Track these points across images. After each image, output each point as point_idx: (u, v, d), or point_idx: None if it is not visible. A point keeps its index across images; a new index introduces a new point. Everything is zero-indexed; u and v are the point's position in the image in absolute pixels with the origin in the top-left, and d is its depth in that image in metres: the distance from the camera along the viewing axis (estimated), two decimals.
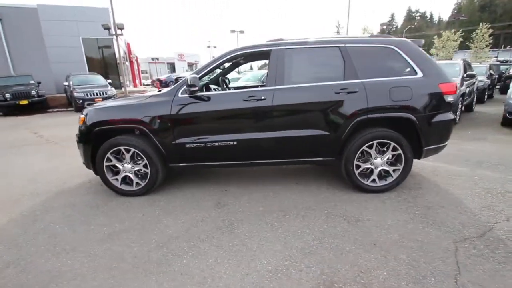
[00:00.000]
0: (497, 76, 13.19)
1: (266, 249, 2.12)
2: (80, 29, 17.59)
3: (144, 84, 32.54)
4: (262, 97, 2.78)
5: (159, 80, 25.14)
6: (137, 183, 3.10)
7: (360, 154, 2.89)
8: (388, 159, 2.93)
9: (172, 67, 49.36)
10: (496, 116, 7.51)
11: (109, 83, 13.21)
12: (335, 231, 2.34)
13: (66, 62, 16.86)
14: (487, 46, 32.02)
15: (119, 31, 14.10)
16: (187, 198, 3.08)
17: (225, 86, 3.61)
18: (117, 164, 3.06)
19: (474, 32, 32.23)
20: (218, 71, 3.87)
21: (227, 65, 3.81)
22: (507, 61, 21.89)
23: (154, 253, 2.12)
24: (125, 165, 3.06)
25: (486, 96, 10.61)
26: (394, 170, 2.95)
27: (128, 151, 2.99)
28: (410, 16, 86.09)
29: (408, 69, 2.84)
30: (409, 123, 2.80)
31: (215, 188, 3.30)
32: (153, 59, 50.70)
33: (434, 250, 2.05)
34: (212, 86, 3.75)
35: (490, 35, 31.81)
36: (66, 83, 12.88)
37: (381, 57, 2.87)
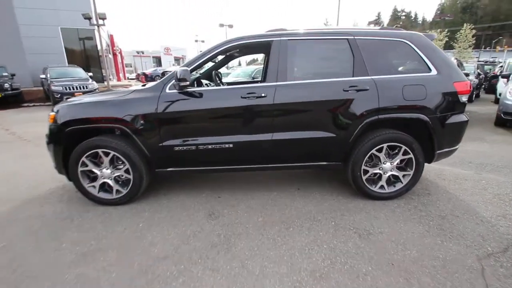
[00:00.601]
0: (483, 75, 13.42)
1: (270, 272, 1.82)
2: (59, 19, 16.55)
3: (128, 78, 31.38)
4: (262, 94, 2.46)
5: (144, 74, 24.17)
6: (117, 191, 2.72)
7: (367, 158, 2.64)
8: (397, 163, 2.69)
9: (158, 61, 47.98)
10: (486, 116, 7.53)
11: (90, 77, 12.48)
12: (346, 247, 2.06)
13: (44, 53, 15.83)
14: (470, 46, 32.95)
15: (101, 21, 13.32)
16: (176, 207, 2.73)
17: (218, 81, 3.26)
18: (94, 169, 2.66)
19: (458, 33, 33.06)
20: (206, 66, 3.51)
21: (221, 58, 3.46)
22: (487, 62, 22.51)
23: (137, 280, 1.77)
24: (104, 170, 2.67)
25: (474, 96, 10.72)
26: (403, 176, 2.72)
27: (106, 154, 2.60)
28: (395, 16, 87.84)
29: (421, 66, 2.59)
30: (421, 124, 2.57)
31: (207, 195, 2.97)
32: (138, 52, 49.11)
33: (459, 270, 1.82)
34: (204, 81, 3.39)
35: (473, 36, 32.73)
36: (43, 76, 12.01)
37: (393, 52, 2.61)
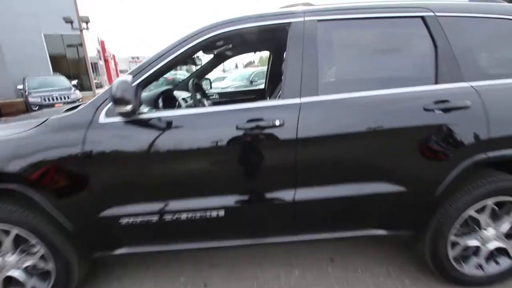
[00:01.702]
0: None
1: None
2: (42, 24, 15.48)
3: None
4: (276, 123, 1.35)
5: None
6: None
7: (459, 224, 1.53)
8: (507, 229, 1.58)
9: None
10: None
11: (74, 85, 11.51)
12: None
13: (26, 61, 14.78)
14: None
15: (84, 25, 12.25)
16: None
17: (199, 97, 2.10)
18: None
19: None
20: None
21: (206, 59, 2.35)
22: None
23: None
24: (6, 257, 1.55)
25: None
26: None
27: (5, 233, 1.48)
28: None
29: None
30: None
31: (188, 280, 1.84)
32: (133, 58, 48.17)
33: None
34: (181, 94, 2.24)
35: None
36: (20, 87, 11.03)
37: (500, 38, 1.51)
